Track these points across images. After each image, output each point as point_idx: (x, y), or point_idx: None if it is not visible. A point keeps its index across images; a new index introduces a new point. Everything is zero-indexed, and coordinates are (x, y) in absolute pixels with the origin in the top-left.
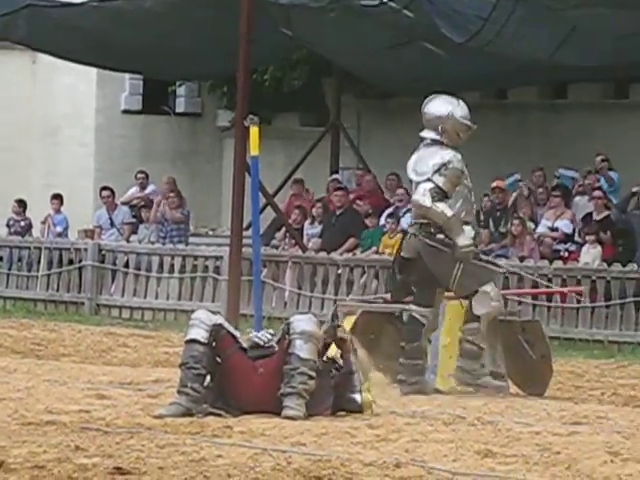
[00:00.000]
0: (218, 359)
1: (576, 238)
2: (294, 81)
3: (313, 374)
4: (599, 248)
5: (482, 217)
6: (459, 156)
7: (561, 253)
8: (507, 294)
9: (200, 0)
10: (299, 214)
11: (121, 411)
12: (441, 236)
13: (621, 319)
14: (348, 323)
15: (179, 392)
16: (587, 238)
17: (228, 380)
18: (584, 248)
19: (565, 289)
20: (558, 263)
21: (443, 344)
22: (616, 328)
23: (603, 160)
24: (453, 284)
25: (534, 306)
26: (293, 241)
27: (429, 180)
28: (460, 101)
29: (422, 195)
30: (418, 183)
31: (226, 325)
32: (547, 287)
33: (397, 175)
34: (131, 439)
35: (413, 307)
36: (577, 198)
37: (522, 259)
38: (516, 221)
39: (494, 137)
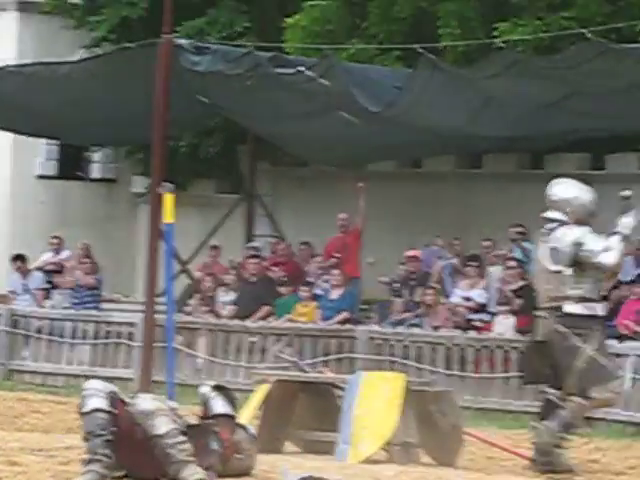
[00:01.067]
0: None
1: (490, 308)
2: (210, 148)
3: (182, 438)
4: (512, 318)
5: (396, 286)
6: (588, 229)
7: (475, 323)
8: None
9: (116, 66)
10: (211, 281)
11: (32, 478)
12: (577, 311)
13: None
14: (261, 391)
15: (90, 460)
16: (500, 309)
17: (121, 446)
18: (498, 318)
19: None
20: (472, 333)
21: (358, 414)
22: (529, 398)
23: (519, 232)
24: (572, 376)
25: (447, 376)
26: (207, 308)
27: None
28: (587, 186)
29: (610, 257)
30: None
31: (118, 392)
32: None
33: (308, 243)
34: None
35: (549, 389)
36: (491, 268)
37: (436, 328)
38: (429, 290)
39: (409, 206)
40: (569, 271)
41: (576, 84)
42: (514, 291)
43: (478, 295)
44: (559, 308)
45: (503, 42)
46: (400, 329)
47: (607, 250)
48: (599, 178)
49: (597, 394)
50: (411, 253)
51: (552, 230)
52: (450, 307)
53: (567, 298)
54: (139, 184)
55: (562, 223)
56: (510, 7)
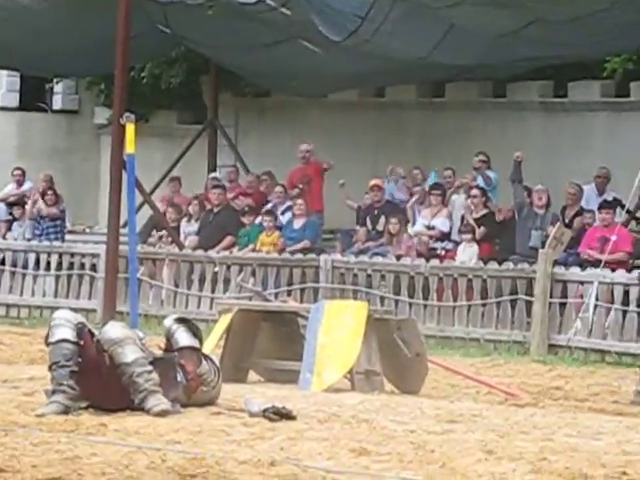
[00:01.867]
0: (79, 358)
1: (453, 237)
2: (172, 78)
3: (149, 367)
4: (476, 247)
5: (360, 215)
6: None
7: (438, 251)
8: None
9: None
10: (174, 212)
11: None
12: None
13: (497, 318)
14: (224, 321)
15: (55, 391)
16: (463, 237)
17: (86, 377)
18: (461, 246)
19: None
20: (435, 261)
21: (321, 343)
22: (492, 327)
23: (482, 161)
24: None
25: (410, 304)
26: (170, 239)
27: None
28: None
29: None
30: None
31: (87, 323)
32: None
33: (270, 173)
34: (5, 437)
35: None
36: (454, 197)
37: (399, 257)
38: (394, 219)
39: (372, 135)
40: None
41: (538, 11)
42: (477, 219)
43: (441, 223)
44: None
45: None
46: (363, 258)
47: None
48: (561, 106)
49: None
50: (374, 182)
51: None
52: (414, 236)
53: None
54: (101, 115)
55: None
56: None
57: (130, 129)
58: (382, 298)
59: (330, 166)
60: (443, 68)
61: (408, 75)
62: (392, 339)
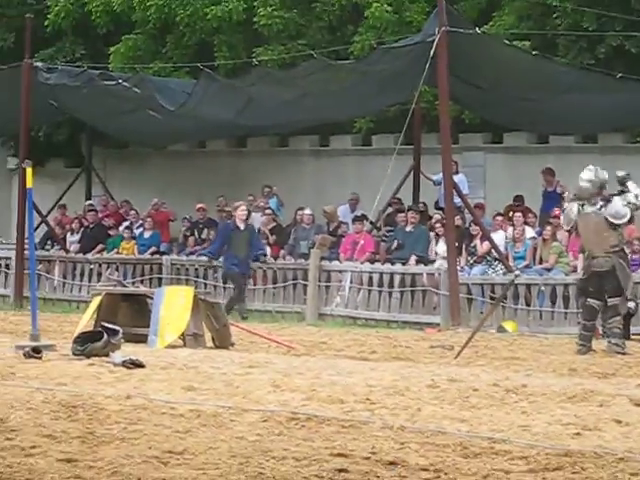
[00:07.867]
0: None
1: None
2: (59, 136)
3: None
4: (268, 248)
5: (190, 227)
6: None
7: None
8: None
9: None
10: (61, 228)
11: None
12: None
13: (283, 296)
14: (96, 301)
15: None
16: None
17: None
18: None
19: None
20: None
21: (162, 315)
22: (280, 302)
23: (270, 190)
24: None
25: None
26: (59, 246)
27: None
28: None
29: None
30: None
31: None
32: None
33: (128, 201)
34: None
35: None
36: (254, 214)
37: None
38: (213, 231)
39: (197, 174)
40: None
41: (307, 88)
42: (270, 230)
43: None
44: None
45: (258, 61)
46: (192, 258)
47: None
48: (325, 153)
49: None
50: (199, 205)
51: None
52: None
53: None
54: (12, 162)
55: None
56: (263, 37)
57: (29, 171)
58: (205, 285)
59: (175, 218)
60: (244, 127)
61: (221, 132)
62: (207, 315)
